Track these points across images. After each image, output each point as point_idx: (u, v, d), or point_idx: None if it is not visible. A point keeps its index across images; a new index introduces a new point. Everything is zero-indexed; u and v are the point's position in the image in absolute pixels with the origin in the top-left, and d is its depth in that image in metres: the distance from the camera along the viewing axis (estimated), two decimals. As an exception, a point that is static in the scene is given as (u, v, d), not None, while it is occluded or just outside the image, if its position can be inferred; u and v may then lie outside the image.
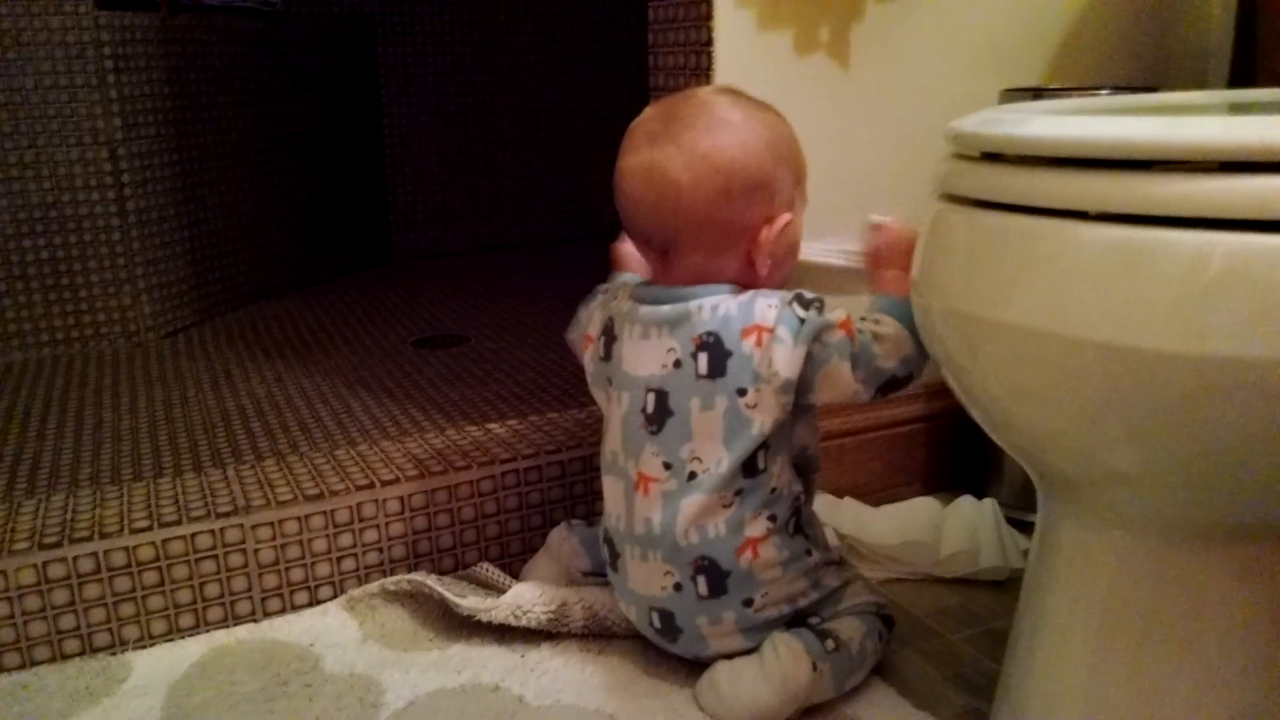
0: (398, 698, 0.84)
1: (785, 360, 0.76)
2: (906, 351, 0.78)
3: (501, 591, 0.92)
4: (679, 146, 0.77)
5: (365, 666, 0.88)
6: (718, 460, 0.77)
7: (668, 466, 0.79)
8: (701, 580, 0.78)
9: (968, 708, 0.82)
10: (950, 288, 0.64)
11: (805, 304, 0.77)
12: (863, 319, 0.79)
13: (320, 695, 0.84)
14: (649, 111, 0.81)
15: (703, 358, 0.77)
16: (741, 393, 0.76)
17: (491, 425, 1.11)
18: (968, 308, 0.62)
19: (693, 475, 0.78)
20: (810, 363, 0.76)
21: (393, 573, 0.97)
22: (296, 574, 0.94)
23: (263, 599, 0.93)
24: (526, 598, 0.89)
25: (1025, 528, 1.08)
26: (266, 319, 1.87)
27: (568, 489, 1.02)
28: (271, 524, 0.92)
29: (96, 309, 1.68)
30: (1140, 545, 0.66)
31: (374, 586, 0.95)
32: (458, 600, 0.90)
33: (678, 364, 0.78)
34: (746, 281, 0.81)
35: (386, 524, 0.96)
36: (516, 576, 0.97)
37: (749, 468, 0.77)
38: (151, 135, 1.69)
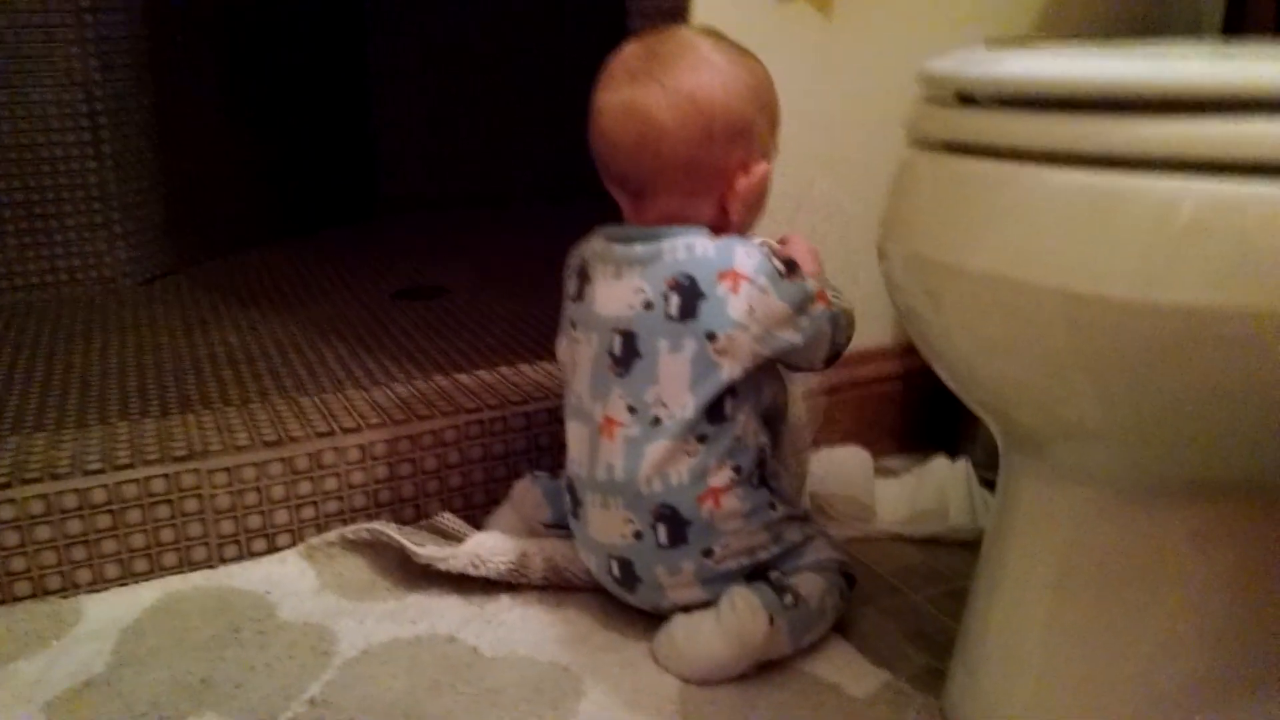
0: (351, 646, 0.83)
1: (766, 310, 0.75)
2: (852, 328, 0.82)
3: (462, 542, 0.90)
4: (662, 85, 0.75)
5: (320, 615, 0.87)
6: (683, 405, 0.76)
7: (632, 411, 0.77)
8: (662, 529, 0.77)
9: (927, 666, 0.81)
10: (914, 234, 0.62)
11: (785, 262, 0.77)
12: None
13: (273, 643, 0.83)
14: (629, 48, 0.79)
15: (674, 299, 0.76)
16: (711, 337, 0.75)
17: (460, 375, 1.09)
18: (931, 254, 0.60)
19: (657, 420, 0.77)
20: (796, 331, 0.77)
21: (353, 521, 0.96)
22: (254, 521, 0.92)
23: (219, 545, 0.92)
24: (486, 547, 0.87)
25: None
26: (244, 268, 1.84)
27: (533, 440, 1.01)
28: (228, 469, 0.90)
29: (72, 253, 1.65)
30: (1101, 502, 0.64)
31: (333, 535, 0.93)
32: (416, 549, 0.88)
33: (648, 305, 0.77)
34: (717, 227, 0.79)
35: (347, 472, 0.95)
36: (479, 528, 0.96)
37: (714, 413, 0.76)
38: (128, 76, 1.65)
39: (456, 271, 1.77)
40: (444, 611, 0.87)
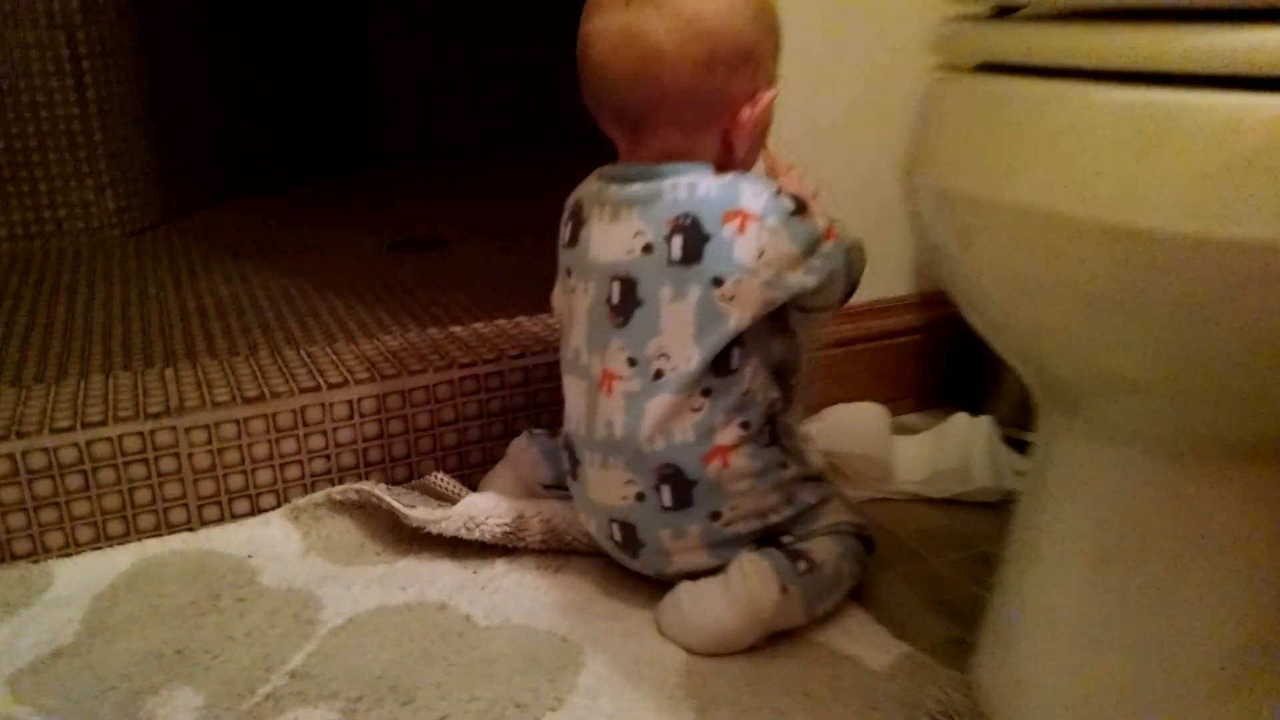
0: (336, 614, 0.78)
1: (777, 252, 0.70)
2: (863, 260, 0.76)
3: (455, 503, 0.85)
4: (658, 9, 0.69)
5: (304, 580, 0.82)
6: (687, 357, 0.70)
7: (632, 363, 0.72)
8: (665, 490, 0.72)
9: (949, 636, 0.76)
10: (943, 166, 0.56)
11: (794, 200, 0.71)
12: None
13: (253, 610, 0.78)
14: None
15: (677, 241, 0.70)
16: (718, 282, 0.69)
17: (456, 328, 1.03)
18: (962, 187, 0.54)
19: (659, 374, 0.71)
20: (809, 272, 0.71)
21: (341, 481, 0.91)
22: (235, 481, 0.87)
23: (199, 507, 0.87)
24: (480, 509, 0.82)
25: (1023, 448, 1.02)
26: (236, 219, 1.79)
27: (531, 396, 0.95)
28: (206, 427, 0.85)
29: (57, 203, 1.60)
30: (1144, 464, 0.59)
31: (319, 496, 0.88)
32: (406, 511, 0.83)
33: (648, 248, 0.71)
34: (721, 164, 0.74)
35: (334, 430, 0.89)
36: (474, 488, 0.91)
37: (720, 365, 0.71)
38: (112, 19, 1.59)
39: (455, 222, 1.70)
40: (435, 577, 0.82)
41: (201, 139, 1.82)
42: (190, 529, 0.87)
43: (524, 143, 2.27)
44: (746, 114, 0.72)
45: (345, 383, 0.90)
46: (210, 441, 0.86)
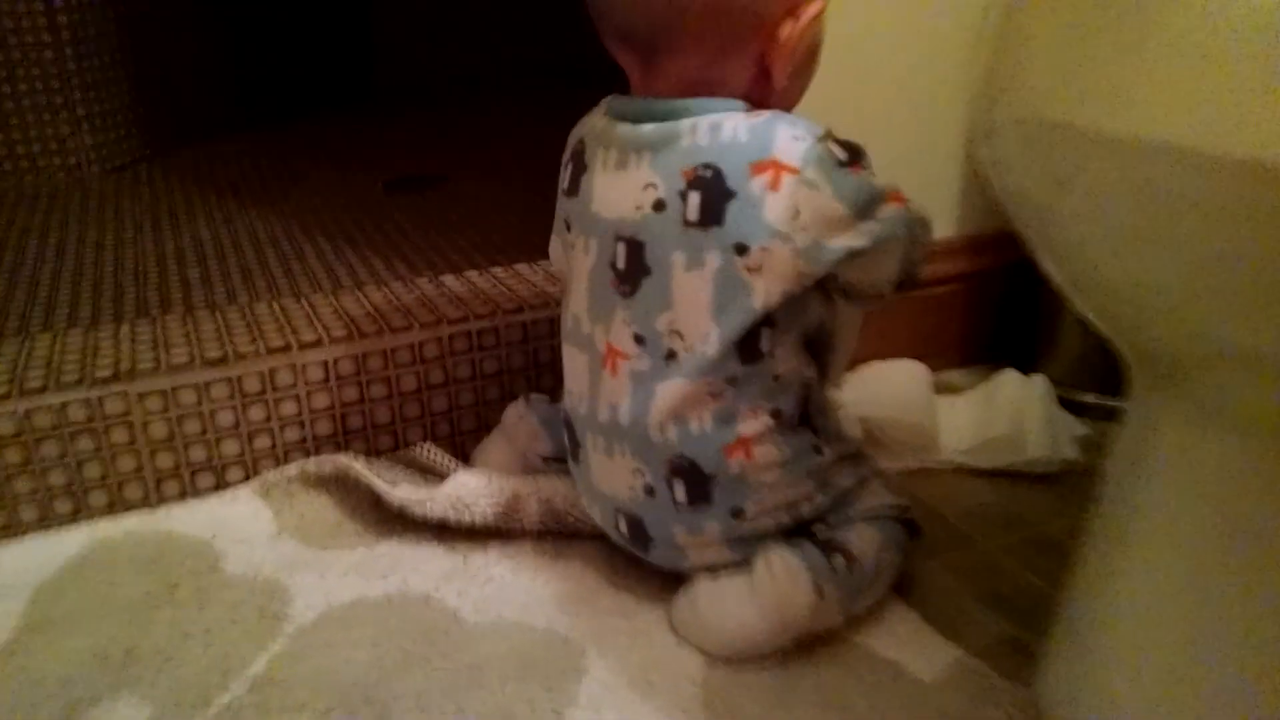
0: (307, 607, 0.69)
1: (817, 212, 0.56)
2: (928, 236, 0.62)
3: (444, 478, 0.76)
4: None
5: (274, 567, 0.73)
6: (704, 336, 0.59)
7: (640, 340, 0.61)
8: (679, 485, 0.62)
9: (1005, 636, 0.66)
10: (1030, 92, 0.44)
11: (847, 148, 0.58)
12: None
13: (214, 602, 0.69)
14: None
15: (694, 198, 0.58)
16: (742, 250, 0.57)
17: (447, 278, 0.93)
18: (1059, 117, 0.42)
19: (671, 355, 0.60)
20: (858, 237, 0.57)
21: (317, 452, 0.81)
22: (197, 453, 0.78)
23: (157, 482, 0.77)
24: (470, 488, 0.72)
25: (1082, 411, 0.91)
26: (224, 156, 1.68)
27: (531, 356, 0.85)
28: (163, 392, 0.76)
29: (31, 138, 1.49)
30: (1263, 453, 0.48)
31: (292, 469, 0.79)
32: (387, 490, 0.74)
33: (659, 205, 0.59)
34: (757, 98, 0.61)
35: (308, 394, 0.79)
36: (468, 458, 0.81)
37: (747, 350, 0.59)
38: (84, -62, 1.47)
39: (457, 159, 1.59)
40: (420, 563, 0.73)
41: (188, 71, 1.71)
42: (148, 507, 0.78)
43: (535, 75, 2.13)
44: (788, 30, 0.58)
45: (319, 341, 0.79)
46: (167, 409, 0.76)
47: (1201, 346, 0.46)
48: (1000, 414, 0.86)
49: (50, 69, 1.46)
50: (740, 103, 0.60)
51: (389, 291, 0.89)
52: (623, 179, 0.61)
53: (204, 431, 0.77)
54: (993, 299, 1.01)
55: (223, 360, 0.77)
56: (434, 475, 0.78)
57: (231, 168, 1.60)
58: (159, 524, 0.77)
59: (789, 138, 0.57)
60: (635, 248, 0.60)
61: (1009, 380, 0.91)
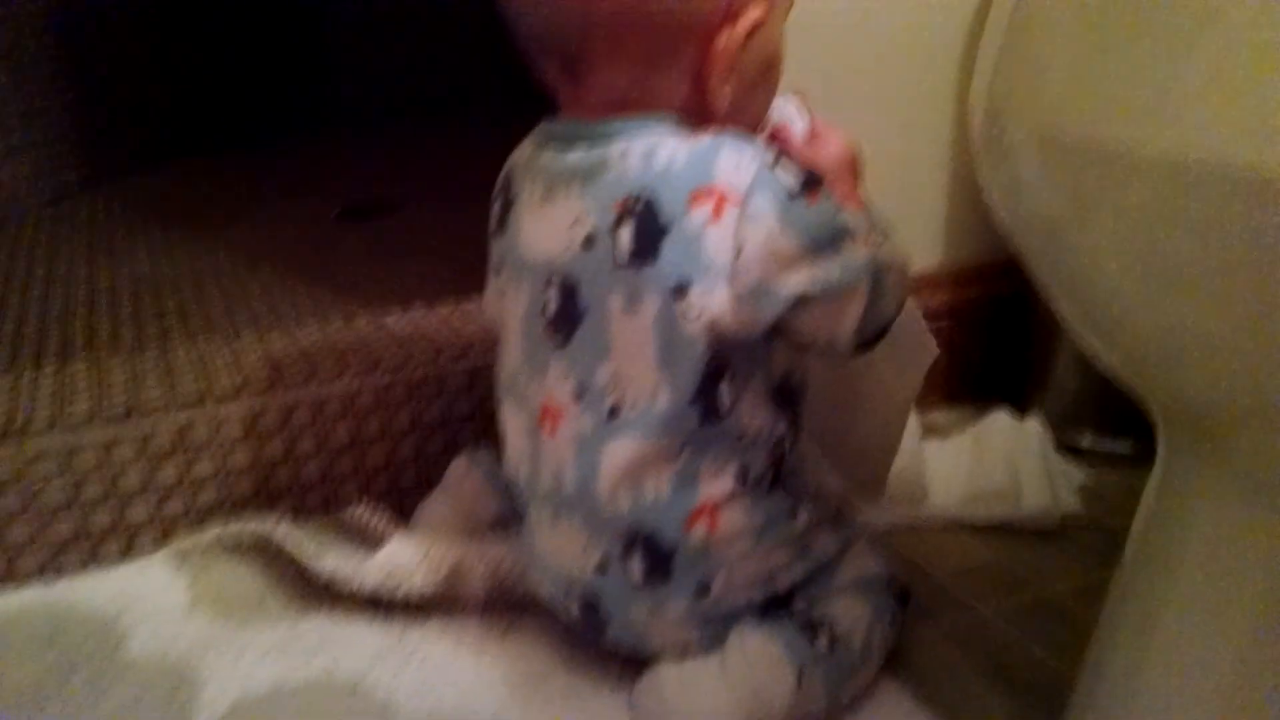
0: (220, 695, 0.60)
1: (763, 249, 0.49)
2: (904, 290, 0.54)
3: (378, 544, 0.68)
4: None
5: (185, 648, 0.64)
6: (651, 391, 0.51)
7: (579, 395, 0.53)
8: (635, 560, 0.54)
9: (1012, 714, 0.59)
10: (1048, 105, 0.37)
11: (800, 177, 0.50)
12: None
13: (113, 692, 0.61)
14: None
15: (625, 232, 0.50)
16: (680, 292, 0.49)
17: (390, 318, 0.85)
18: (1083, 133, 0.35)
19: (615, 411, 0.52)
20: (810, 280, 0.50)
21: (239, 514, 0.73)
22: (101, 518, 0.69)
23: (55, 552, 0.69)
24: (405, 559, 0.64)
25: (1078, 453, 0.84)
26: (167, 185, 1.60)
27: (477, 404, 0.77)
28: (58, 453, 0.67)
29: (-41, 169, 1.41)
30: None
31: (209, 535, 0.70)
32: (313, 560, 0.66)
33: (589, 241, 0.51)
34: (699, 117, 0.53)
35: (228, 451, 0.71)
36: (410, 514, 0.73)
37: (704, 407, 0.52)
38: (14, -44, 1.39)
39: (412, 185, 1.52)
40: (350, 641, 0.64)
41: (132, 96, 1.63)
42: (45, 579, 0.69)
43: (497, 99, 2.05)
44: (724, 41, 0.50)
45: (240, 391, 0.71)
46: (64, 471, 0.67)
47: (1251, 406, 0.39)
48: (993, 462, 0.80)
49: (-23, 96, 1.38)
50: (673, 118, 0.52)
51: (324, 332, 0.82)
52: (550, 213, 0.53)
53: (108, 495, 0.69)
54: (980, 332, 0.94)
55: (128, 415, 0.68)
56: (368, 541, 0.70)
57: (178, 196, 1.53)
58: (59, 598, 0.68)
59: (733, 163, 0.50)
60: (567, 291, 0.52)
61: (1000, 423, 0.84)
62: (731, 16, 0.50)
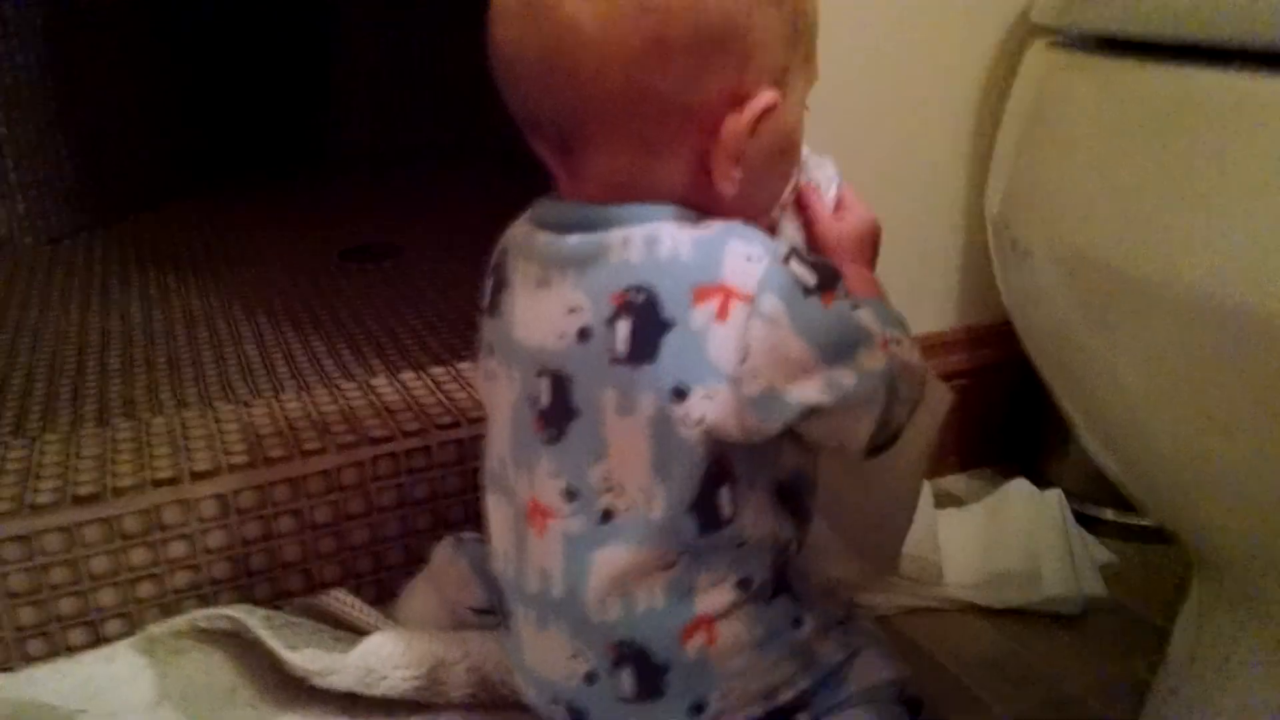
0: (183, 806, 0.56)
1: (773, 353, 0.45)
2: (919, 393, 0.50)
3: (361, 633, 0.64)
4: None
5: (148, 750, 0.60)
6: (647, 497, 0.48)
7: (571, 496, 0.49)
8: (625, 674, 0.50)
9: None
10: (1073, 221, 0.33)
11: (817, 270, 0.47)
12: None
13: (69, 800, 0.57)
14: None
15: (623, 327, 0.46)
16: (680, 394, 0.45)
17: (379, 380, 0.82)
18: (1108, 258, 0.32)
19: (609, 515, 0.48)
20: (825, 388, 0.45)
21: (214, 597, 0.69)
22: (67, 605, 0.66)
23: (18, 640, 0.65)
24: (384, 655, 0.60)
25: (1098, 527, 0.80)
26: (171, 225, 1.58)
27: (467, 478, 0.73)
28: (21, 539, 0.64)
29: (-44, 209, 1.39)
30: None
31: (181, 622, 0.66)
32: (288, 654, 0.62)
33: (584, 333, 0.48)
34: (702, 202, 0.48)
35: (201, 533, 0.68)
36: (395, 594, 0.70)
37: (704, 515, 0.48)
38: (12, -4, 1.37)
39: (414, 228, 1.50)
40: (326, 743, 0.61)
41: (129, 134, 1.61)
42: (7, 668, 0.66)
43: (501, 145, 2.02)
44: (731, 127, 0.46)
45: (216, 470, 0.68)
46: (28, 558, 0.64)
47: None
48: (1011, 541, 0.75)
49: (-26, 135, 1.36)
50: (676, 208, 0.48)
51: (310, 397, 0.78)
52: (545, 300, 0.49)
53: (74, 580, 0.65)
54: (998, 396, 0.90)
55: (95, 497, 0.65)
56: (349, 628, 0.66)
57: (177, 238, 1.51)
58: (20, 691, 0.64)
59: (742, 256, 0.46)
60: (560, 384, 0.49)
61: (1019, 496, 0.80)
62: (738, 102, 0.46)
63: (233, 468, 0.68)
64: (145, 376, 0.95)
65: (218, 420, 0.75)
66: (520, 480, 0.52)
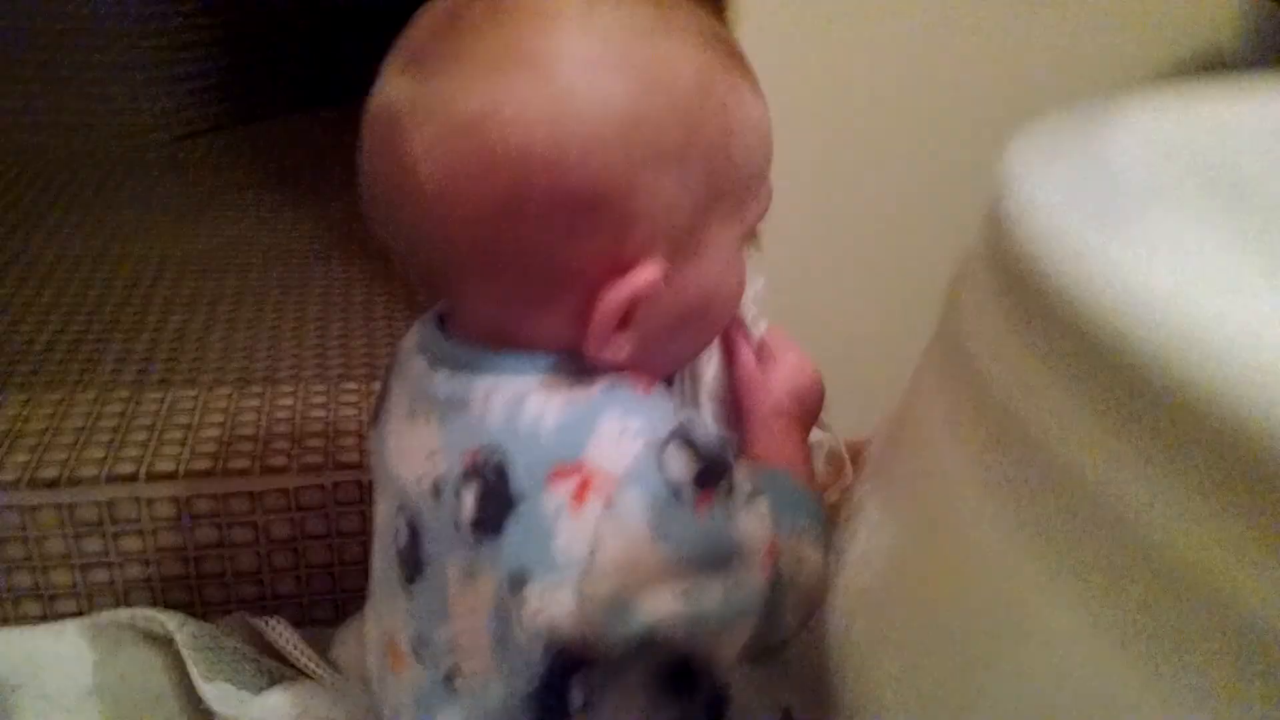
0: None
1: (627, 557, 0.38)
2: (817, 598, 0.41)
3: (289, 665, 0.63)
4: (436, 94, 0.38)
5: (60, 747, 0.61)
6: (483, 680, 0.43)
7: (422, 645, 0.45)
8: None
9: None
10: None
11: (703, 458, 0.39)
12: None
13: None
14: None
15: (469, 494, 0.40)
16: (517, 584, 0.40)
17: (349, 387, 0.79)
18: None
19: (450, 678, 0.44)
20: (683, 599, 0.39)
21: (166, 592, 0.69)
22: (22, 578, 0.67)
23: (-24, 603, 0.67)
24: (279, 714, 0.59)
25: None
26: (314, 129, 1.55)
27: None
28: (-15, 510, 0.65)
29: (92, 95, 1.42)
30: None
31: (124, 614, 0.67)
32: (200, 684, 0.61)
33: (437, 488, 0.42)
34: (585, 350, 0.41)
35: (154, 532, 0.67)
36: (344, 617, 0.68)
37: (546, 707, 0.42)
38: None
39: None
40: (220, 778, 0.60)
41: (277, 39, 1.60)
42: (-38, 629, 0.68)
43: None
44: (609, 298, 0.39)
45: (174, 474, 0.67)
46: (-7, 528, 0.65)
47: None
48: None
49: (117, 24, 1.38)
50: (551, 361, 0.41)
51: (298, 402, 0.76)
52: (411, 434, 0.44)
53: (29, 557, 0.66)
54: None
55: (54, 482, 0.65)
56: (276, 659, 0.65)
57: (311, 144, 1.49)
58: (-32, 652, 0.67)
59: (615, 432, 0.39)
60: (415, 532, 0.44)
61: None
62: (618, 269, 0.39)
63: (189, 473, 0.67)
64: (209, 308, 0.95)
65: (206, 404, 0.74)
66: (384, 608, 0.48)
